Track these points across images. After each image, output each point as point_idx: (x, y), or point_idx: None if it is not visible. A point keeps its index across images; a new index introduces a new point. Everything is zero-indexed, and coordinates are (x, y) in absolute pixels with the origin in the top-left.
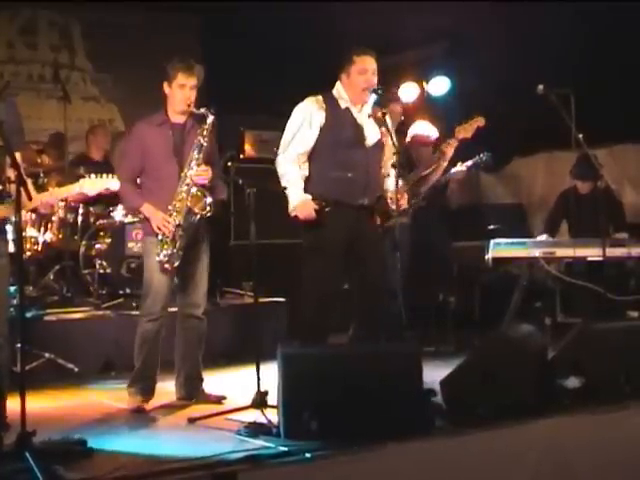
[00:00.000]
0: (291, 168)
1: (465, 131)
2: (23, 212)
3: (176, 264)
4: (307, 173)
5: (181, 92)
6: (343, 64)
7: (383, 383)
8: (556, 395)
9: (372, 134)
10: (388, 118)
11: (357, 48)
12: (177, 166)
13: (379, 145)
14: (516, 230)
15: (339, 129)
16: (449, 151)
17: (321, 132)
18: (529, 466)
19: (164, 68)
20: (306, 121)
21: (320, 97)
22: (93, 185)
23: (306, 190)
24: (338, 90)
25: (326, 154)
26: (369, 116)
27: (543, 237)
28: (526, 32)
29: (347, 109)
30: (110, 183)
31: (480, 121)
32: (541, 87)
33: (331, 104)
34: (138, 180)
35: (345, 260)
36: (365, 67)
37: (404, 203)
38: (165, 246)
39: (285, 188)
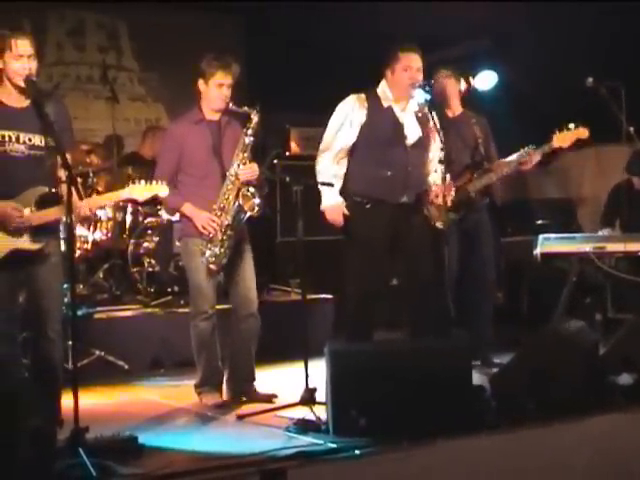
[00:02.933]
0: (329, 167)
1: (563, 140)
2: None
3: (223, 263)
4: (345, 170)
5: (219, 90)
6: (388, 61)
7: (432, 379)
8: (608, 392)
9: (413, 133)
10: (435, 115)
11: (402, 44)
12: (217, 164)
13: (421, 143)
14: (565, 225)
15: (379, 128)
16: (534, 158)
17: (361, 130)
18: (581, 464)
19: (199, 65)
20: (347, 119)
21: (363, 95)
22: (142, 192)
23: (346, 187)
24: (382, 88)
25: (366, 152)
26: (415, 113)
27: (605, 231)
28: (574, 24)
29: (389, 108)
30: (159, 190)
31: (583, 133)
32: (590, 80)
33: (373, 102)
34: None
35: (391, 257)
36: (410, 64)
37: (450, 199)
38: (211, 246)
39: (321, 184)
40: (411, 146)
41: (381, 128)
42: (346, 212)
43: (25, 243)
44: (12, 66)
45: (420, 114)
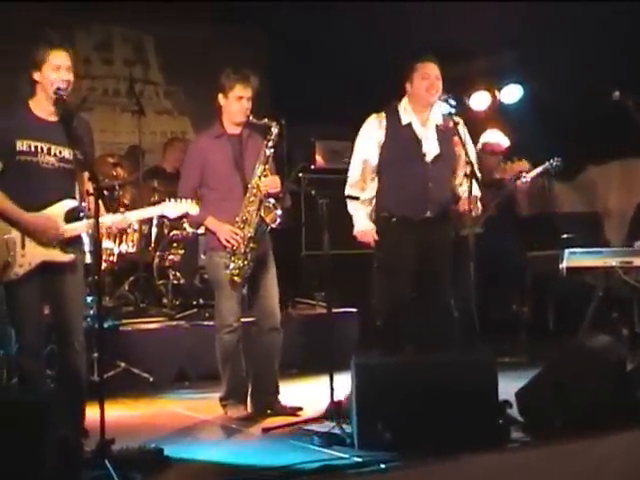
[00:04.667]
0: (355, 193)
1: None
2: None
3: (247, 275)
4: (375, 191)
5: (238, 104)
6: (406, 73)
7: (458, 394)
8: (636, 408)
9: (432, 148)
10: (461, 127)
11: (419, 55)
12: (239, 177)
13: (442, 158)
14: (591, 239)
15: (397, 146)
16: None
17: (381, 149)
18: None
19: (218, 79)
20: (368, 141)
21: (382, 113)
22: (174, 209)
23: (376, 203)
24: (403, 104)
25: (388, 170)
26: (437, 127)
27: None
28: (601, 37)
29: (408, 124)
30: (190, 208)
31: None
32: (617, 93)
33: (392, 120)
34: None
35: (418, 272)
36: (427, 72)
37: (477, 211)
38: (234, 258)
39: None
40: (431, 162)
41: (398, 145)
42: (376, 237)
43: (57, 255)
44: (49, 77)
45: (444, 128)
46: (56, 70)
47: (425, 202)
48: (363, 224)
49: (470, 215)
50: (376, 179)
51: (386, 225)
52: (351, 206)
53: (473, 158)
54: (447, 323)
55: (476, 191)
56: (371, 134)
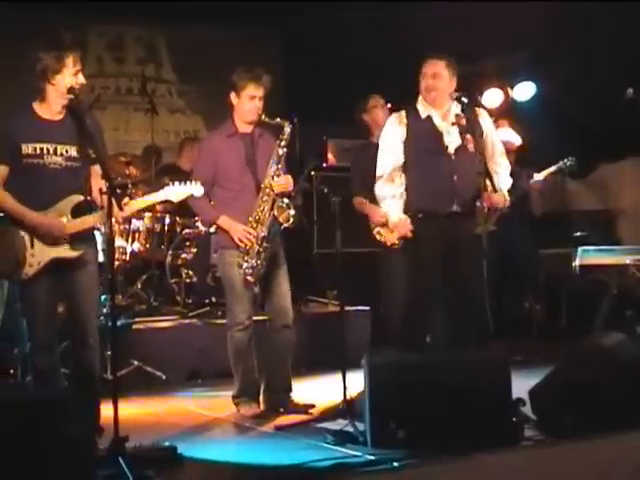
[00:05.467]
0: (384, 190)
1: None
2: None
3: (260, 274)
4: (402, 188)
5: (251, 103)
6: (418, 72)
7: (471, 392)
8: None
9: (454, 141)
10: (485, 118)
11: (427, 54)
12: (251, 176)
13: (464, 151)
14: (604, 237)
15: (419, 139)
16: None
17: (405, 146)
18: None
19: (230, 78)
20: (392, 139)
21: (403, 112)
22: (177, 192)
23: (406, 202)
24: (420, 100)
25: (413, 166)
26: (452, 123)
27: None
28: (613, 36)
29: (428, 117)
30: (194, 189)
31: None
32: (630, 91)
33: (412, 116)
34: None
35: (442, 268)
36: (425, 71)
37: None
38: (247, 258)
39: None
40: (454, 154)
41: (421, 139)
42: (411, 227)
43: (65, 251)
44: (66, 83)
45: (457, 124)
46: (75, 74)
47: (451, 196)
48: (397, 215)
49: (493, 210)
50: (403, 176)
51: (412, 222)
52: (383, 203)
53: (499, 150)
54: (481, 320)
55: (504, 184)
56: (394, 132)
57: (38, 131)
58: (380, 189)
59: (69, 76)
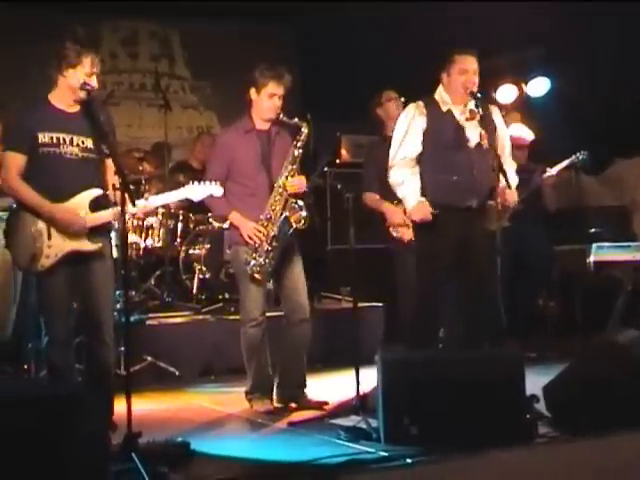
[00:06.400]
0: (403, 173)
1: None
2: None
3: (268, 272)
4: (418, 178)
5: (270, 101)
6: (444, 64)
7: (485, 389)
8: None
9: (475, 135)
10: (496, 115)
11: (458, 48)
12: (266, 174)
13: (483, 147)
14: (619, 233)
15: (440, 132)
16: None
17: (424, 137)
18: (637, 477)
19: (252, 74)
20: (410, 128)
21: (421, 102)
22: (197, 191)
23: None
24: (440, 93)
25: (431, 158)
26: (467, 119)
27: None
28: (626, 32)
29: (449, 111)
30: (213, 189)
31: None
32: None
33: (432, 108)
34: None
35: (457, 264)
36: (466, 67)
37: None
38: (255, 255)
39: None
40: (474, 149)
41: (443, 132)
42: (432, 210)
43: (83, 244)
44: (79, 79)
45: (473, 120)
46: (89, 75)
47: (471, 190)
48: (415, 199)
49: (505, 207)
50: (417, 167)
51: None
52: (400, 188)
53: (509, 148)
54: (495, 317)
55: (514, 182)
56: (414, 122)
57: (54, 121)
58: (395, 174)
59: (82, 74)
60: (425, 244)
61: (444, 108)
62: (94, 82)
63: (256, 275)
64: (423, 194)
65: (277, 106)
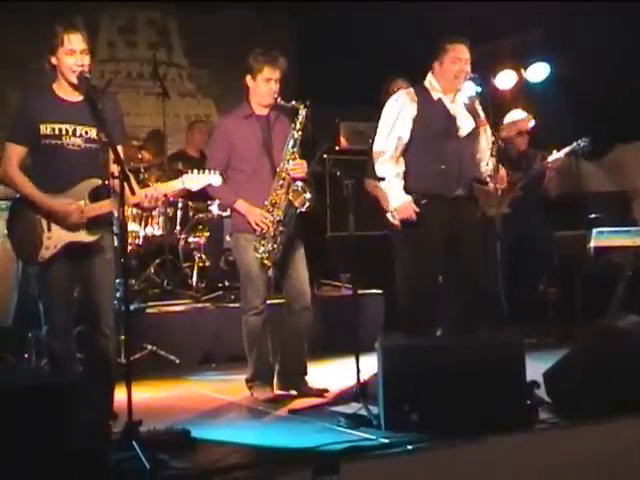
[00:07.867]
0: (389, 168)
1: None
2: (126, 207)
3: (277, 258)
4: (404, 168)
5: (267, 85)
6: (436, 53)
7: (485, 375)
8: None
9: (465, 124)
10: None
11: (450, 36)
12: (267, 159)
13: (473, 135)
14: (619, 219)
15: (431, 121)
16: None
17: (414, 125)
18: (637, 464)
19: (246, 60)
20: (400, 115)
21: (411, 90)
22: (195, 181)
23: (404, 184)
24: (430, 81)
25: (419, 147)
26: (465, 105)
27: None
28: (628, 15)
29: (439, 100)
30: (212, 179)
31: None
32: None
33: (422, 96)
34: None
35: (445, 253)
36: (458, 55)
37: (503, 184)
38: (264, 242)
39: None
40: (464, 138)
41: (433, 120)
42: (416, 209)
43: (82, 236)
44: (65, 62)
45: (469, 107)
46: (71, 54)
47: (458, 179)
48: (400, 197)
49: (497, 194)
50: (402, 162)
51: (416, 205)
52: (384, 184)
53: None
54: (480, 305)
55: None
56: (404, 109)
57: (57, 111)
58: (383, 166)
59: (64, 55)
60: (410, 234)
61: (435, 96)
62: (79, 61)
63: (265, 262)
64: (408, 182)
65: (274, 90)
